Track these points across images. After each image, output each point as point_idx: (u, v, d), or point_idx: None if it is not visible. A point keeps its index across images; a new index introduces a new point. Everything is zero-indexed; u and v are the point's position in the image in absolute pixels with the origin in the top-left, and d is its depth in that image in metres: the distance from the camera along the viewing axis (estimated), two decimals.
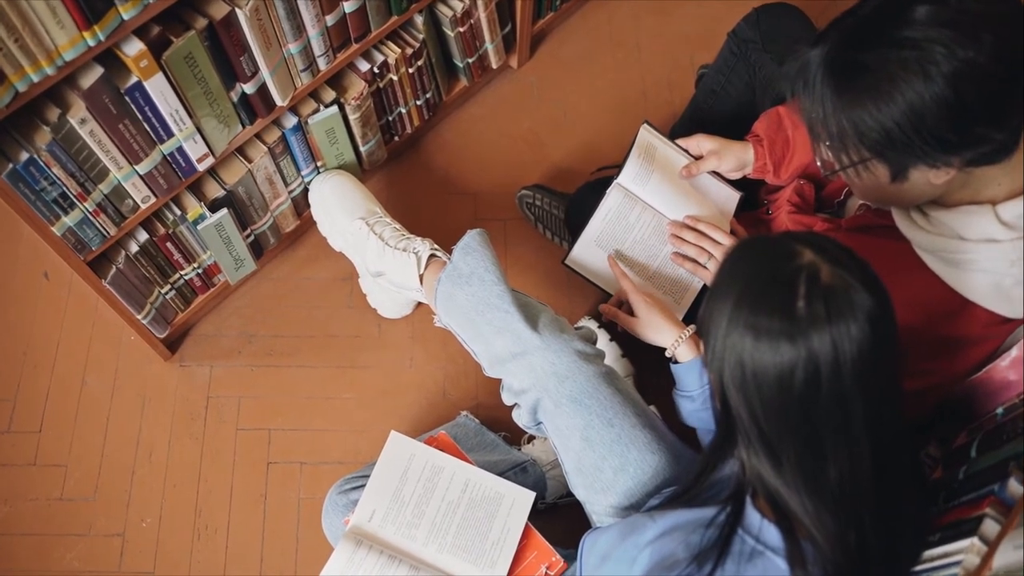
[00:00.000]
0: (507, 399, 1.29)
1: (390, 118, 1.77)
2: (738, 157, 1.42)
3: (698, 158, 1.46)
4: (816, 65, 0.98)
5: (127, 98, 1.21)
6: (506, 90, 1.99)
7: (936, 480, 1.10)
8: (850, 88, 0.96)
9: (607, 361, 1.33)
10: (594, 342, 1.28)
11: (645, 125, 1.47)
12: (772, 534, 0.90)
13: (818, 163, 1.09)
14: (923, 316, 1.09)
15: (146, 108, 1.24)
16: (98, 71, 1.16)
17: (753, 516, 0.92)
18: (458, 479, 1.27)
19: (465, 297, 1.29)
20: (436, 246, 1.47)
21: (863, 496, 0.86)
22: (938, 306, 1.09)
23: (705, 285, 1.43)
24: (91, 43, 1.09)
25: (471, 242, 1.32)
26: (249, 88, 1.38)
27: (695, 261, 1.41)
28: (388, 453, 1.29)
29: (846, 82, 0.96)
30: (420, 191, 1.88)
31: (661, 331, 1.29)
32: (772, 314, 0.81)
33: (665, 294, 1.42)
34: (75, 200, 1.27)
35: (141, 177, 1.33)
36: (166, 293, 1.60)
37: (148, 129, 1.28)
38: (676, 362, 1.28)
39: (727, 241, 1.37)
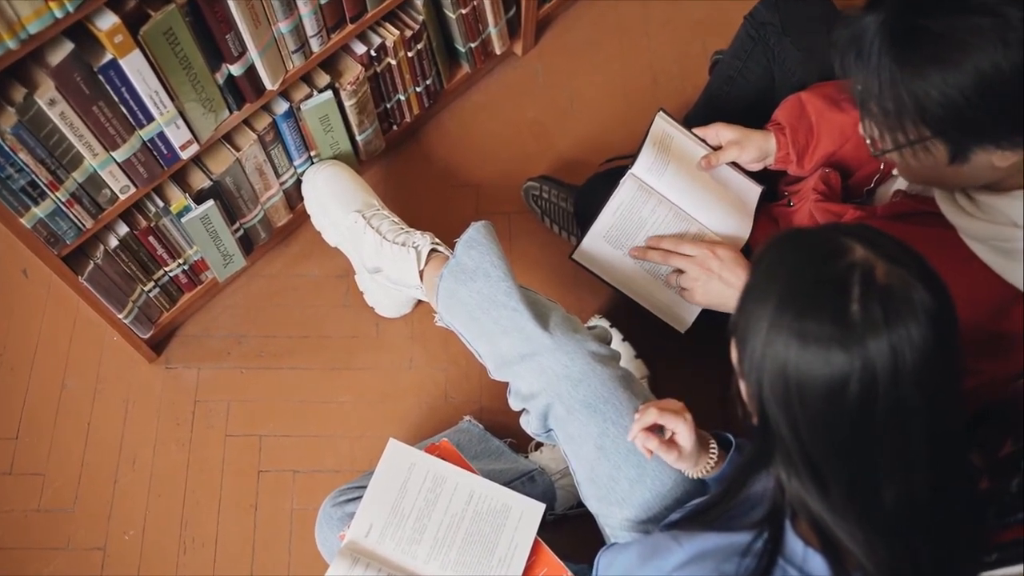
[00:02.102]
0: (515, 404, 1.21)
1: (388, 105, 1.68)
2: (760, 147, 1.33)
3: (716, 148, 1.38)
4: (873, 32, 0.89)
5: (101, 77, 1.12)
6: (510, 77, 1.91)
7: (982, 491, 1.01)
8: (913, 57, 0.87)
9: (620, 362, 1.24)
10: (608, 342, 1.19)
11: (661, 113, 1.39)
12: (818, 564, 0.80)
13: (867, 142, 1.00)
14: (972, 310, 0.99)
15: (122, 89, 1.15)
16: (68, 47, 1.07)
17: (795, 544, 0.82)
18: (462, 490, 1.19)
19: (469, 294, 1.21)
20: (437, 240, 1.40)
21: (921, 521, 0.76)
22: (988, 299, 1.00)
23: None
24: (59, 15, 1.00)
25: (475, 235, 1.24)
26: (236, 70, 1.29)
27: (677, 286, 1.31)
28: (386, 462, 1.20)
29: (908, 51, 0.87)
30: (420, 183, 1.80)
31: (693, 458, 1.08)
32: (822, 319, 0.71)
33: (677, 293, 1.33)
34: (46, 189, 1.18)
35: (119, 165, 1.25)
36: (150, 291, 1.51)
37: (125, 112, 1.19)
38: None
39: (697, 252, 1.26)
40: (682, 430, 1.04)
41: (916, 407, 0.71)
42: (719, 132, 1.37)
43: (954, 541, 0.81)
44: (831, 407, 0.72)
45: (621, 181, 1.35)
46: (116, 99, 1.16)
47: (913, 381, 0.71)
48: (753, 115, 1.41)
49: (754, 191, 1.38)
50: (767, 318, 0.74)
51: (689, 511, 1.03)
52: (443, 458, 1.22)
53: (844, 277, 0.72)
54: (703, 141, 1.39)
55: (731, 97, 1.54)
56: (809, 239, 0.78)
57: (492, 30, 1.75)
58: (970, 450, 1.07)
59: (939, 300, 0.72)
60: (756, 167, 1.38)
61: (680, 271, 1.29)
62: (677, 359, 1.48)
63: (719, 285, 1.25)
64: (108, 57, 1.11)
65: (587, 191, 1.60)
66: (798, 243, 0.78)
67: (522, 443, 1.51)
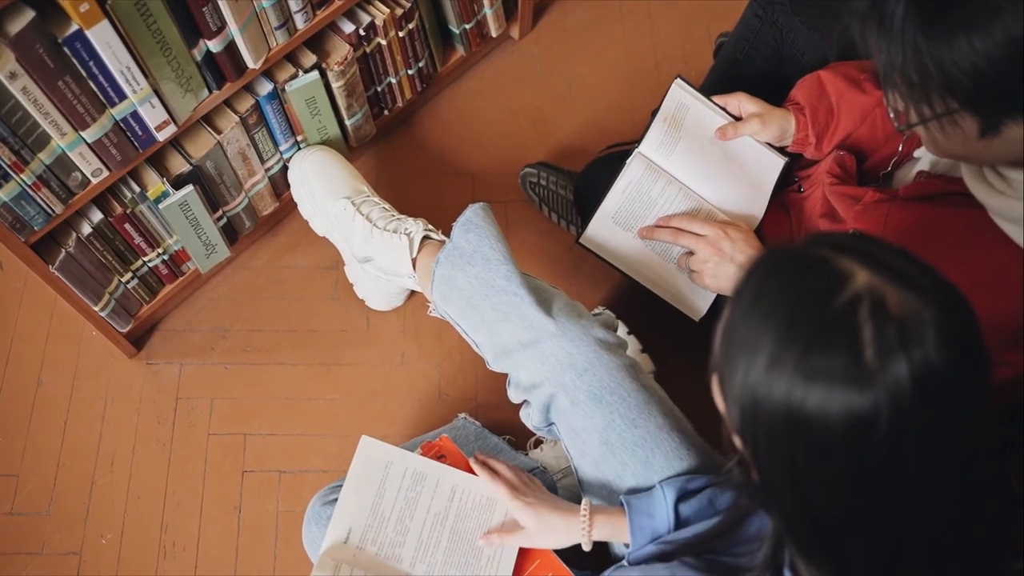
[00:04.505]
0: (514, 396, 1.15)
1: (379, 89, 1.61)
2: (780, 125, 1.27)
3: (736, 119, 1.30)
4: None
5: (66, 49, 1.05)
6: (507, 62, 1.84)
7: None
8: (939, 25, 0.80)
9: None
10: (615, 329, 1.12)
11: (678, 80, 1.31)
12: None
13: (891, 115, 0.93)
14: (1003, 297, 0.94)
15: (90, 63, 1.08)
16: (28, 15, 0.99)
17: None
18: (444, 486, 1.12)
19: (467, 279, 1.15)
20: (430, 226, 1.34)
21: (954, 565, 0.67)
22: (1021, 284, 0.93)
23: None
24: None
25: (473, 217, 1.18)
26: (215, 46, 1.22)
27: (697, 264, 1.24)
28: (361, 462, 1.13)
29: (934, 18, 0.80)
30: (413, 171, 1.73)
31: (556, 526, 1.04)
32: (833, 365, 0.60)
33: (687, 277, 1.26)
34: (9, 171, 1.11)
35: (89, 146, 1.17)
36: (128, 282, 1.44)
37: (95, 89, 1.11)
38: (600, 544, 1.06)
39: (708, 231, 1.20)
40: (516, 508, 1.05)
41: (947, 448, 0.62)
42: (741, 103, 1.30)
43: (983, 569, 0.73)
44: (852, 458, 0.61)
45: (628, 161, 1.28)
46: (84, 74, 1.09)
47: (942, 415, 0.61)
48: (761, 98, 1.35)
49: (776, 165, 1.30)
50: (762, 363, 0.62)
51: (680, 543, 0.96)
52: (444, 456, 1.15)
53: (850, 314, 0.60)
54: (723, 110, 1.32)
55: (738, 80, 1.47)
56: (799, 265, 0.65)
57: (488, 11, 1.68)
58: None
59: (961, 319, 0.63)
60: None
61: (690, 252, 1.22)
62: (686, 354, 1.40)
63: (730, 268, 1.18)
64: (74, 27, 1.04)
65: (587, 177, 1.53)
66: (788, 272, 0.65)
67: (521, 441, 1.44)
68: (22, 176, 1.12)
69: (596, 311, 1.50)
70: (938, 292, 0.62)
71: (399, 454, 1.13)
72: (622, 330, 1.46)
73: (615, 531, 1.03)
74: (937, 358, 0.60)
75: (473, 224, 1.17)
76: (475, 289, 1.14)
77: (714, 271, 1.20)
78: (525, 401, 1.15)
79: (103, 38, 1.06)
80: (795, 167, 1.36)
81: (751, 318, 0.64)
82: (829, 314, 0.60)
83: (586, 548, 1.04)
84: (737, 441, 0.69)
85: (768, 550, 0.76)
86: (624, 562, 1.03)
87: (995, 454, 0.72)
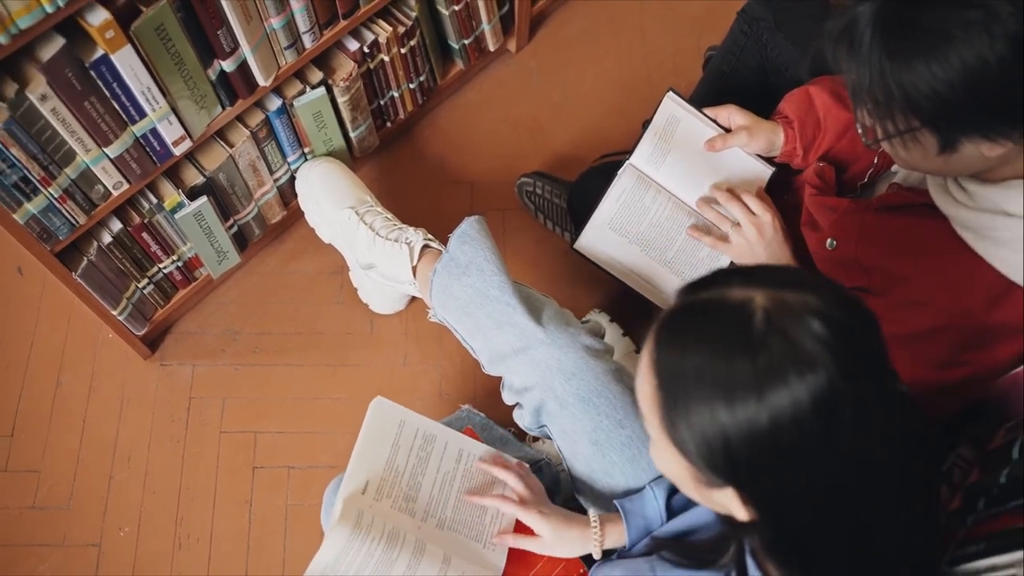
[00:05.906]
0: (508, 398, 1.21)
1: (382, 102, 1.68)
2: (768, 138, 1.31)
3: (727, 130, 1.36)
4: (865, 23, 0.89)
5: (92, 73, 1.12)
6: (504, 75, 1.91)
7: (972, 484, 1.02)
8: (902, 49, 0.87)
9: (617, 356, 1.24)
10: (602, 336, 1.19)
11: (670, 94, 1.35)
12: None
13: (859, 130, 1.00)
14: (964, 300, 1.00)
15: (114, 84, 1.15)
16: (59, 42, 1.07)
17: None
18: (451, 449, 1.17)
19: (462, 289, 1.21)
20: (430, 236, 1.39)
21: (911, 549, 0.75)
22: (981, 290, 1.00)
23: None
24: (49, 9, 1.00)
25: (469, 230, 1.24)
26: (228, 66, 1.29)
27: (718, 229, 1.29)
28: (374, 419, 1.16)
29: (898, 43, 0.87)
30: (414, 180, 1.80)
31: (572, 539, 1.08)
32: (779, 361, 0.68)
33: (683, 280, 1.32)
34: (39, 185, 1.18)
35: (112, 161, 1.24)
36: (144, 288, 1.51)
37: (117, 108, 1.19)
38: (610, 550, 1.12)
39: (761, 214, 1.24)
40: (532, 518, 1.07)
41: (892, 400, 0.70)
42: (731, 115, 1.34)
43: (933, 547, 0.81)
44: (825, 439, 0.68)
45: (619, 172, 1.34)
46: (108, 95, 1.16)
47: (867, 363, 0.70)
48: (748, 109, 1.40)
49: (763, 175, 1.34)
50: (722, 405, 0.68)
51: (665, 540, 1.02)
52: None
53: (773, 326, 0.68)
54: (714, 122, 1.36)
55: (726, 91, 1.53)
56: (701, 313, 0.72)
57: (486, 27, 1.75)
58: (960, 443, 1.08)
59: (833, 288, 0.72)
60: None
61: (734, 224, 1.26)
62: None
63: (763, 254, 1.23)
64: (99, 53, 1.11)
65: (580, 187, 1.59)
66: (698, 324, 0.72)
67: (521, 434, 1.49)
68: (49, 190, 1.19)
69: (586, 318, 1.56)
70: (807, 281, 0.71)
71: (411, 415, 1.17)
72: (617, 331, 1.52)
73: (621, 537, 1.08)
74: (843, 317, 0.69)
75: (469, 236, 1.23)
76: (470, 298, 1.20)
77: (750, 251, 1.24)
78: (518, 403, 1.21)
79: (126, 62, 1.13)
80: (782, 177, 1.42)
81: (687, 375, 0.70)
82: (757, 335, 0.68)
83: (596, 557, 1.08)
84: (704, 490, 0.75)
85: (733, 550, 0.82)
86: (614, 556, 1.10)
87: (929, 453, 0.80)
